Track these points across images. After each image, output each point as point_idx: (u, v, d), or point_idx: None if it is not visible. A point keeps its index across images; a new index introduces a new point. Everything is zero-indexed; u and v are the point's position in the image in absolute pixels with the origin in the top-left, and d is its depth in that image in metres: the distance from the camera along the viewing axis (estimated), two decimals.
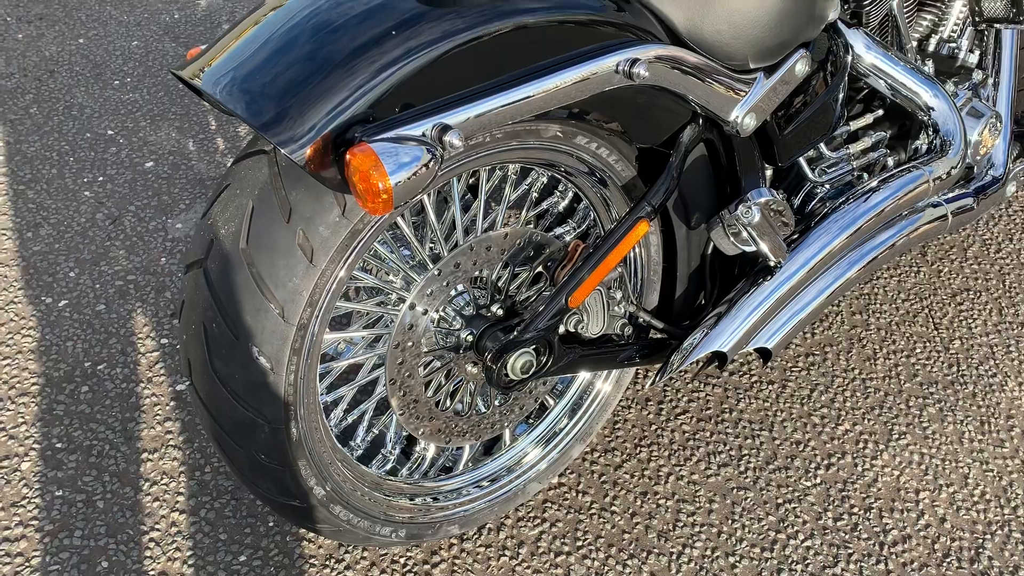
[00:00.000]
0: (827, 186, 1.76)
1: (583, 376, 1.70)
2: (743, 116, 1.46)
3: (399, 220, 1.38)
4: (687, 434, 1.92)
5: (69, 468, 1.77)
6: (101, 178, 2.44)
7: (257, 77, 1.12)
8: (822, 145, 1.73)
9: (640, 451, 1.88)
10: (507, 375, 1.41)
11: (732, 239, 1.48)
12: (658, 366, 1.62)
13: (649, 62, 1.29)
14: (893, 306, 2.25)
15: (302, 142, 1.09)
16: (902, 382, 2.07)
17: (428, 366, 1.44)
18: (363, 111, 1.12)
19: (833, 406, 2.01)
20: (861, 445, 1.93)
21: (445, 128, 1.13)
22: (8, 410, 1.86)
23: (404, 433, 1.54)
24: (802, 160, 1.70)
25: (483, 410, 1.54)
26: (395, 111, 1.15)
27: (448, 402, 1.50)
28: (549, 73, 1.23)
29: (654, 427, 1.93)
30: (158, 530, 1.67)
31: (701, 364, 1.63)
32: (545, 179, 1.58)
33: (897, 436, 1.95)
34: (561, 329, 1.47)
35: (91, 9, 3.12)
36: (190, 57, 1.26)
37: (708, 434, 1.93)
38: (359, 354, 1.49)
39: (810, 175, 1.72)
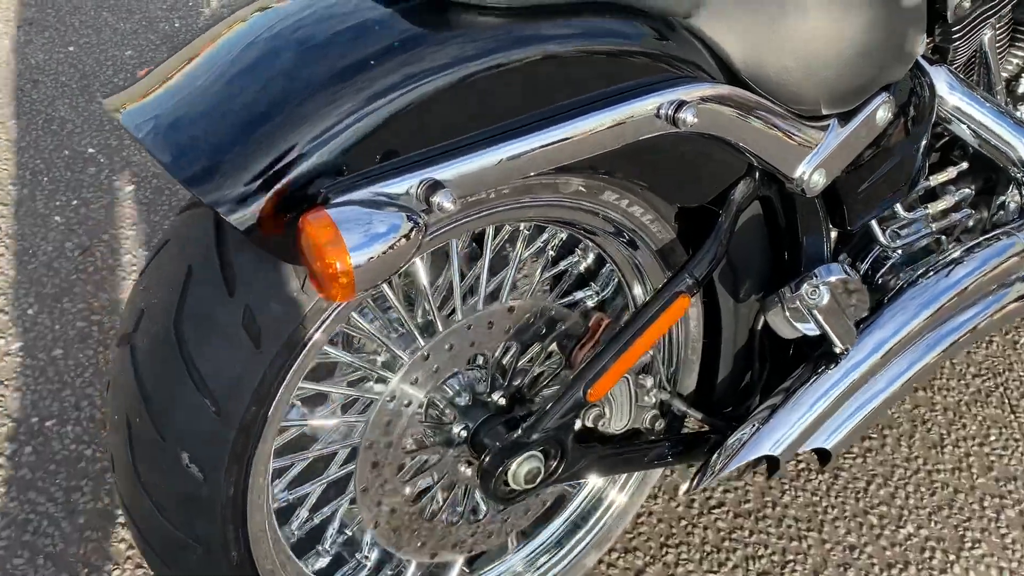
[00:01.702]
0: (900, 252, 1.48)
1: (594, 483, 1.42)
2: (811, 172, 1.18)
3: (385, 286, 1.12)
4: (722, 533, 1.64)
5: None
6: (75, 202, 2.21)
7: (192, 118, 0.87)
8: (897, 204, 1.45)
9: (666, 553, 1.60)
10: (507, 484, 1.14)
11: (792, 322, 1.21)
12: (694, 465, 1.34)
13: (698, 105, 1.03)
14: (962, 383, 1.96)
15: (245, 203, 0.84)
16: (974, 476, 1.78)
17: (409, 465, 1.17)
18: (328, 162, 0.87)
19: (894, 503, 1.72)
20: (927, 554, 1.64)
21: (435, 185, 0.87)
22: None
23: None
24: (874, 222, 1.42)
25: (480, 518, 1.27)
26: (371, 163, 0.89)
27: (435, 509, 1.23)
28: (572, 117, 0.97)
29: (684, 522, 1.65)
30: None
31: (748, 467, 1.35)
32: (565, 235, 1.32)
33: (970, 544, 1.66)
34: (577, 425, 1.20)
35: (86, 15, 2.90)
36: (141, 76, 1.01)
37: (747, 533, 1.64)
38: (329, 445, 1.22)
39: (881, 238, 1.44)
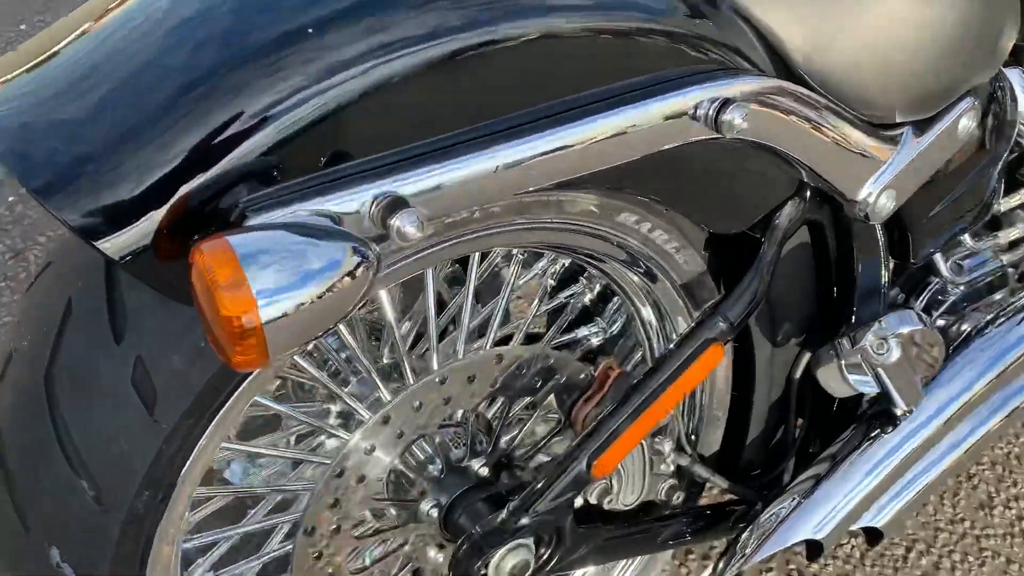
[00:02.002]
0: (961, 288, 1.24)
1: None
2: (878, 194, 0.95)
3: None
4: None
5: None
6: (11, 198, 1.97)
7: (56, 109, 0.64)
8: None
9: None
10: None
11: (849, 379, 0.97)
12: (716, 545, 1.10)
13: (748, 105, 0.79)
14: (1011, 431, 1.72)
15: (120, 222, 0.60)
16: None
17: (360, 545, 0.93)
18: (247, 167, 0.63)
19: (938, 575, 1.48)
20: None
21: (394, 203, 0.63)
22: None
23: None
24: (938, 253, 1.18)
25: None
26: (312, 168, 0.65)
27: None
28: (582, 117, 0.74)
29: None
30: None
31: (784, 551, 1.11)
32: (567, 261, 1.08)
33: None
34: (578, 502, 0.96)
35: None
36: None
37: None
38: (259, 520, 0.98)
39: (944, 271, 1.21)
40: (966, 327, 1.20)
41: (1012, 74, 1.25)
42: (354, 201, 0.64)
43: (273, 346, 0.55)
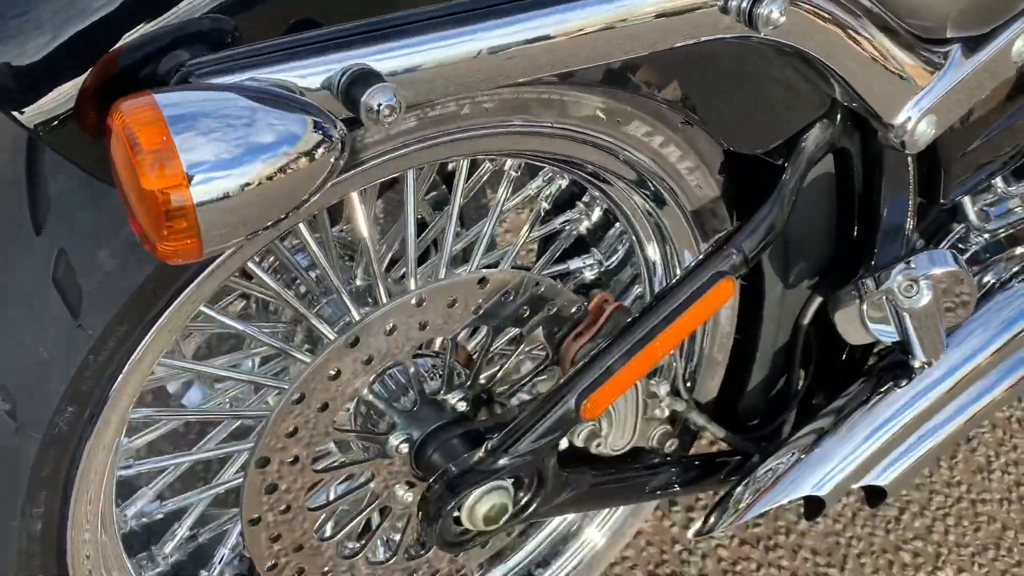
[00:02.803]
0: (986, 237, 1.15)
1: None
2: (918, 119, 0.85)
3: (302, 228, 0.77)
4: (724, 563, 1.35)
5: None
6: None
7: None
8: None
9: None
10: (459, 524, 0.81)
11: (870, 324, 0.88)
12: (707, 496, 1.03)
13: (790, 3, 0.68)
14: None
15: (34, 84, 0.50)
16: None
17: (319, 485, 0.85)
18: (187, 24, 0.52)
19: (930, 539, 1.44)
20: None
21: (366, 76, 0.53)
22: None
23: None
24: (967, 197, 1.09)
25: (422, 552, 0.94)
26: (273, 31, 0.54)
27: (358, 544, 0.90)
28: None
29: (678, 548, 1.35)
30: None
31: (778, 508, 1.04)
32: (564, 182, 0.98)
33: None
34: (563, 444, 0.88)
35: None
36: None
37: (753, 566, 1.36)
38: (212, 447, 0.89)
39: (972, 217, 1.11)
40: (989, 279, 1.12)
41: None
42: (320, 73, 0.53)
43: (208, 235, 0.45)
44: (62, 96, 0.51)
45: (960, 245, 1.17)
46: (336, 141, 0.49)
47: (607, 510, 1.11)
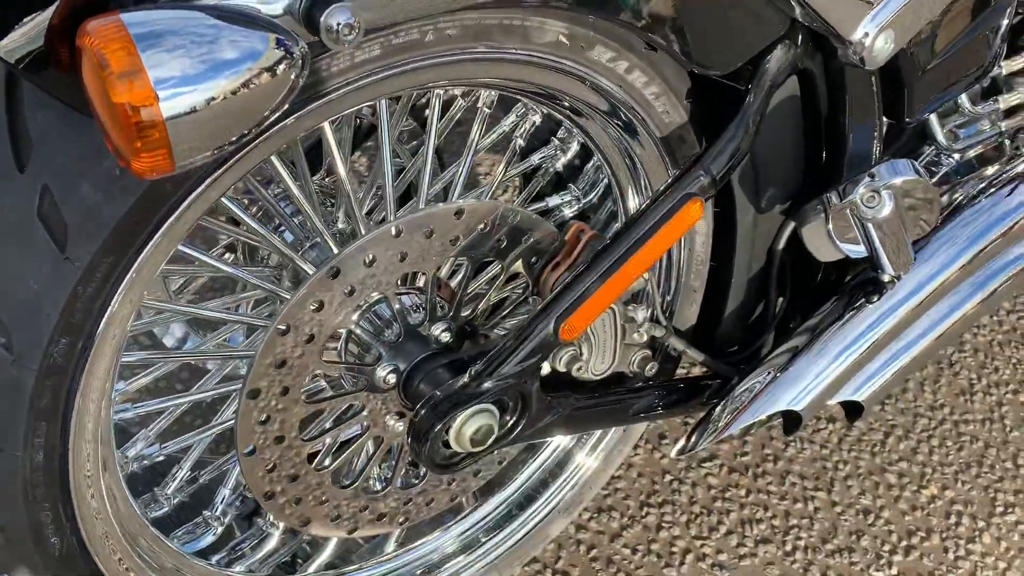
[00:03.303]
0: (956, 157, 1.18)
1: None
2: (875, 34, 0.88)
3: (275, 160, 0.80)
4: (714, 491, 1.40)
5: None
6: None
7: None
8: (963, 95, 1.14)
9: (647, 514, 1.35)
10: (447, 446, 0.85)
11: (837, 239, 0.91)
12: (690, 419, 1.06)
13: None
14: (995, 319, 1.72)
15: (7, 20, 0.51)
16: (1007, 429, 1.57)
17: (313, 418, 0.88)
18: None
19: (915, 460, 1.49)
20: (953, 520, 1.42)
21: None
22: None
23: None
24: (933, 115, 1.11)
25: (416, 482, 0.98)
26: None
27: (353, 472, 0.94)
28: None
29: (669, 478, 1.39)
30: None
31: (757, 426, 1.07)
32: (538, 118, 1.00)
33: (1002, 509, 1.46)
34: (545, 369, 0.91)
35: None
36: None
37: (743, 492, 1.40)
38: (211, 387, 0.92)
39: (940, 137, 1.14)
40: (958, 196, 1.15)
41: None
42: None
43: (178, 149, 0.48)
44: (37, 28, 0.53)
45: (932, 168, 1.20)
46: (297, 58, 0.51)
47: (597, 436, 1.14)
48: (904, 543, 1.39)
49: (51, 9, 0.51)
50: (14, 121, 0.62)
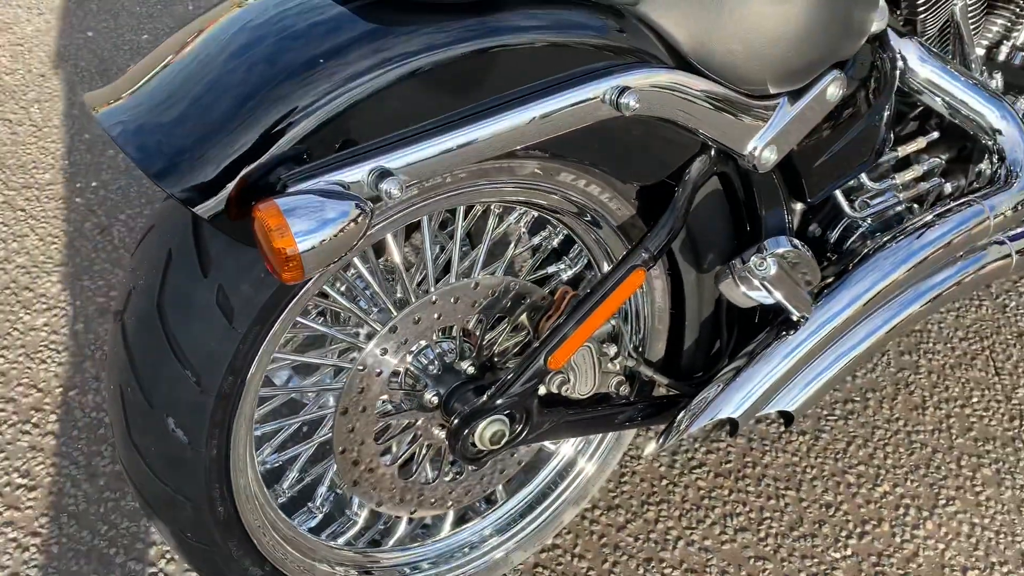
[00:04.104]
0: (869, 221, 1.52)
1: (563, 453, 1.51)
2: (761, 149, 1.24)
3: (357, 261, 1.20)
4: (702, 491, 1.72)
5: (27, 507, 1.65)
6: (95, 183, 2.32)
7: (161, 116, 0.95)
8: (864, 175, 1.49)
9: (647, 510, 1.68)
10: (474, 445, 1.23)
11: (743, 290, 1.27)
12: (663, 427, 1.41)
13: (641, 90, 1.09)
14: (948, 346, 2.00)
15: (207, 193, 0.92)
16: (953, 437, 1.83)
17: (384, 430, 1.27)
18: (287, 152, 0.95)
19: (871, 463, 1.78)
20: (901, 511, 1.71)
21: (384, 173, 0.95)
22: None
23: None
24: (838, 192, 1.46)
25: (458, 476, 1.36)
26: (329, 152, 0.97)
27: (414, 467, 1.33)
28: (519, 105, 1.04)
29: (665, 482, 1.73)
30: None
31: (711, 428, 1.42)
32: (535, 214, 1.39)
33: (944, 502, 1.72)
34: (542, 391, 1.28)
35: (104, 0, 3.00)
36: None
37: (726, 492, 1.72)
38: (311, 412, 1.32)
39: (848, 209, 1.49)
40: (865, 249, 1.47)
41: (906, 43, 1.52)
42: (357, 173, 0.95)
43: (307, 266, 0.88)
44: (220, 199, 0.94)
45: (849, 232, 1.54)
46: (367, 211, 0.90)
47: (593, 445, 1.51)
48: (859, 530, 1.68)
49: (228, 188, 0.92)
50: (199, 247, 1.04)
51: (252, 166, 0.94)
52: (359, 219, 0.91)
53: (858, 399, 1.90)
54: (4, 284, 2.05)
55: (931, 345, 2.01)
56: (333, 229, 0.89)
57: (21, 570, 1.56)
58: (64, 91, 2.62)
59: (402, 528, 1.42)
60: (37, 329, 1.96)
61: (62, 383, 1.85)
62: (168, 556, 1.58)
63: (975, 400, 1.90)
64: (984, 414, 1.88)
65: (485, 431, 1.22)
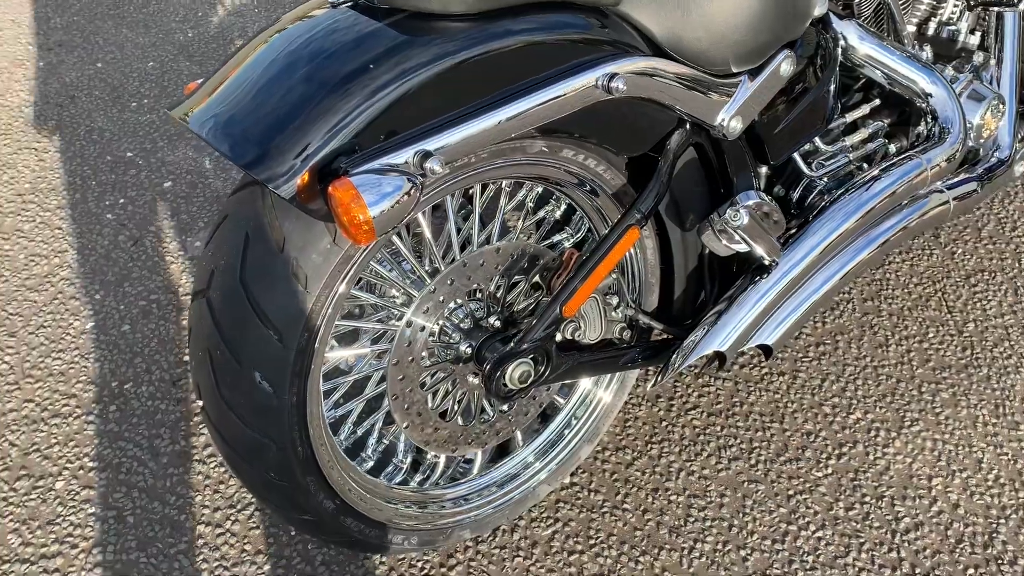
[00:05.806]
0: (825, 179, 1.76)
1: (584, 386, 1.73)
2: (729, 120, 1.47)
3: (395, 238, 1.42)
4: (698, 429, 1.94)
5: (100, 486, 1.85)
6: (122, 200, 2.52)
7: (242, 116, 1.17)
8: (818, 139, 1.73)
9: (651, 448, 1.90)
10: (505, 385, 1.45)
11: (723, 241, 1.50)
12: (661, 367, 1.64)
13: (627, 76, 1.32)
14: (905, 291, 2.24)
15: (287, 177, 1.14)
16: (915, 368, 2.07)
17: (430, 380, 1.48)
18: (346, 143, 1.16)
19: (844, 395, 2.01)
20: (872, 433, 1.94)
21: (426, 155, 1.17)
22: (41, 431, 1.94)
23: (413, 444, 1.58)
24: (797, 156, 1.70)
25: (489, 417, 1.58)
26: (378, 140, 1.18)
27: (453, 411, 1.55)
28: (528, 93, 1.26)
29: (664, 424, 1.95)
30: (185, 542, 1.74)
31: (703, 364, 1.65)
32: (540, 189, 1.61)
33: (909, 423, 1.95)
34: (559, 337, 1.50)
35: (107, 33, 3.20)
36: (187, 92, 1.31)
37: (719, 428, 1.94)
38: (365, 369, 1.54)
39: (806, 170, 1.73)
40: (823, 202, 1.72)
41: (847, 25, 1.77)
42: (404, 156, 1.17)
43: (379, 228, 1.09)
44: (295, 183, 1.15)
45: (807, 190, 1.78)
46: (418, 184, 1.13)
47: (608, 378, 1.73)
48: (837, 452, 1.91)
49: (303, 172, 1.14)
50: (273, 227, 1.26)
51: (321, 155, 1.16)
52: (411, 191, 1.13)
53: (828, 342, 2.13)
54: (52, 296, 2.24)
55: (890, 291, 2.25)
56: (394, 199, 1.11)
57: (103, 538, 1.76)
58: (83, 118, 2.81)
59: (440, 468, 1.64)
60: (87, 332, 2.15)
61: (117, 378, 2.05)
62: (233, 518, 1.78)
63: (931, 335, 2.15)
64: (940, 347, 2.12)
65: (515, 372, 1.44)
